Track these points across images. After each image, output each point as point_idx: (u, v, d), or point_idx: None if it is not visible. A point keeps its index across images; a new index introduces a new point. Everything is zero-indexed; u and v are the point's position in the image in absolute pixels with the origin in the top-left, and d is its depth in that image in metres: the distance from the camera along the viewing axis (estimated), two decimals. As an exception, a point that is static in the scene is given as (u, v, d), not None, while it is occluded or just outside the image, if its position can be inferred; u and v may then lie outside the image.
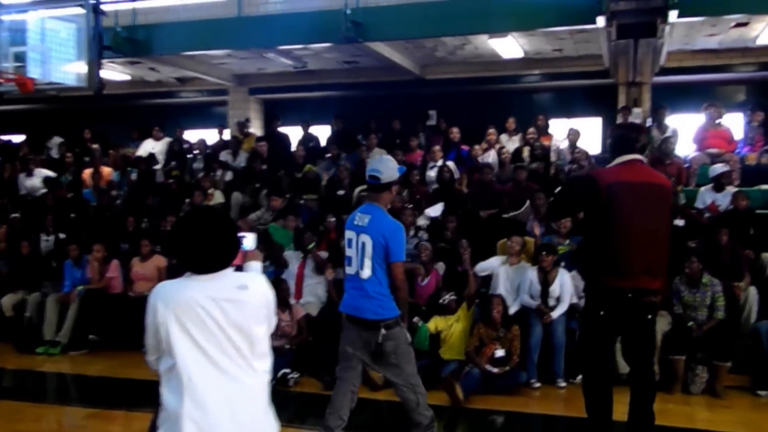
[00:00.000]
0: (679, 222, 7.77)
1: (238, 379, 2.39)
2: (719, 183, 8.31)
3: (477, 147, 9.99)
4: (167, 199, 9.86)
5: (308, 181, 9.72)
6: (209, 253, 2.41)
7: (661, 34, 8.10)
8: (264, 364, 2.49)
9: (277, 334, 6.83)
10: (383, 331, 4.00)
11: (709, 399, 6.08)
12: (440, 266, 7.40)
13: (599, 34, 9.25)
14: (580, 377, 6.29)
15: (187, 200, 9.39)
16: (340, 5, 8.64)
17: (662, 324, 6.20)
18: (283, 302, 6.96)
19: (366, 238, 4.01)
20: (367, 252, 4.00)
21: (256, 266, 2.88)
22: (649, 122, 10.55)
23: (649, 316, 4.18)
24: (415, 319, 6.52)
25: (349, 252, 4.09)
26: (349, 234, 4.10)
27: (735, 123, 10.38)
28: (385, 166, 4.10)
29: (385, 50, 10.30)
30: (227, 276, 2.46)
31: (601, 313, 4.13)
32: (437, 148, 9.88)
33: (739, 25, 9.44)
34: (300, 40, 9.57)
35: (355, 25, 8.72)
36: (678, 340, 6.22)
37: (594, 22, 8.23)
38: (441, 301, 6.66)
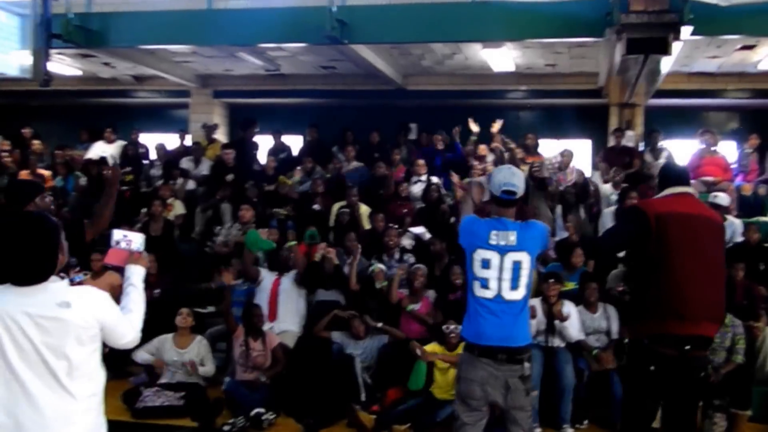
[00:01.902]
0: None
1: (49, 405, 2.27)
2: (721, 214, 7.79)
3: (482, 146, 9.44)
4: (121, 209, 8.83)
5: (282, 194, 8.88)
6: (24, 262, 2.29)
7: (671, 51, 7.52)
8: (86, 388, 2.36)
9: (248, 366, 6.05)
10: (527, 362, 3.61)
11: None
12: (430, 294, 6.69)
13: (600, 50, 8.66)
14: (586, 422, 5.81)
15: (144, 210, 8.42)
16: (325, 2, 7.81)
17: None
18: (255, 330, 6.25)
19: (522, 256, 3.60)
20: (524, 271, 3.60)
21: (137, 271, 2.81)
22: (641, 146, 10.06)
23: (703, 374, 3.62)
24: (417, 351, 5.81)
25: (486, 273, 3.61)
26: (485, 254, 3.62)
27: (729, 150, 10.02)
28: (520, 179, 3.66)
29: (369, 55, 9.51)
30: (49, 290, 2.32)
31: (651, 368, 3.51)
32: (422, 162, 9.16)
33: (745, 47, 8.96)
34: (277, 38, 8.66)
35: (340, 24, 7.90)
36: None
37: (602, 35, 7.62)
38: (444, 328, 5.87)
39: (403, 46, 9.56)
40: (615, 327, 6.16)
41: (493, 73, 10.76)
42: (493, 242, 3.60)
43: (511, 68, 10.48)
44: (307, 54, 10.24)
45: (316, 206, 8.57)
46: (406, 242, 7.80)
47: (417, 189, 8.88)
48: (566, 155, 9.38)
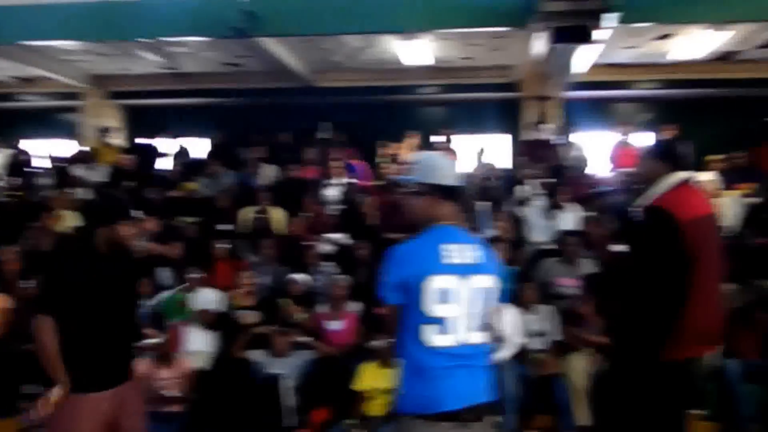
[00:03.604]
0: (619, 248, 7.07)
1: None
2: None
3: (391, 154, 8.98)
4: (4, 222, 7.92)
5: (187, 202, 8.19)
6: None
7: (595, 39, 7.32)
8: None
9: (158, 397, 5.37)
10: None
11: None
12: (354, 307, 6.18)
13: (519, 41, 8.40)
14: None
15: (33, 223, 7.54)
16: (231, -8, 7.23)
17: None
18: (163, 356, 5.50)
19: (490, 282, 2.60)
20: (490, 303, 2.60)
21: None
22: (560, 139, 9.91)
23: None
24: None
25: (445, 310, 2.50)
26: (442, 281, 2.51)
27: (646, 141, 10.01)
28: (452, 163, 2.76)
29: (277, 50, 8.94)
30: None
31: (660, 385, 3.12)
32: (339, 163, 8.65)
33: (661, 37, 8.91)
34: (179, 31, 7.99)
35: (246, 15, 7.31)
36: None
37: (524, 25, 7.35)
38: (373, 344, 5.37)
39: (314, 39, 9.05)
40: (554, 328, 5.85)
41: (408, 68, 10.38)
42: (448, 261, 2.53)
43: (428, 62, 10.12)
44: (211, 49, 9.58)
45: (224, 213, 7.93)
46: (326, 248, 7.29)
47: (333, 192, 8.36)
48: (479, 151, 9.18)
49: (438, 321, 2.49)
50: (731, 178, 8.18)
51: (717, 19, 7.81)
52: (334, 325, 6.01)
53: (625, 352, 3.26)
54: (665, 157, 3.24)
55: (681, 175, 3.16)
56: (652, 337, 3.07)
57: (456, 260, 2.54)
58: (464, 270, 2.54)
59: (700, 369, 3.21)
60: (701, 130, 8.92)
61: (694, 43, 9.17)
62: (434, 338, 2.49)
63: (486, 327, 2.60)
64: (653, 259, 3.04)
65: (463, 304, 2.52)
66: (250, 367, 5.71)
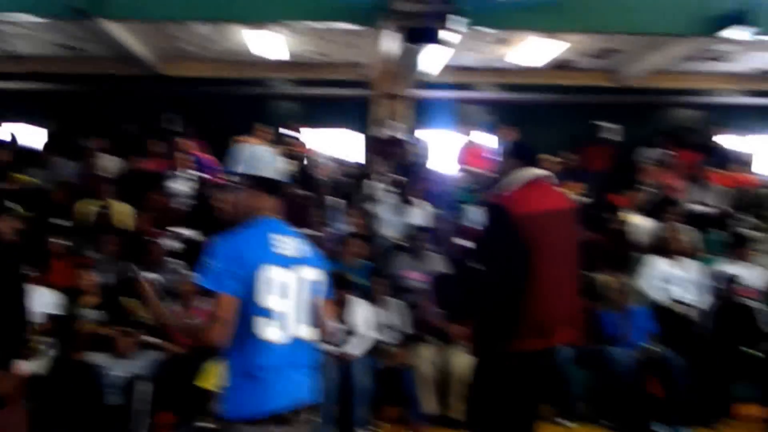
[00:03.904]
0: (465, 242, 7.37)
1: None
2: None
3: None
4: None
5: (19, 194, 7.58)
6: None
7: (444, 41, 7.56)
8: None
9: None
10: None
11: None
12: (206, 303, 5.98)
13: (371, 39, 8.52)
14: (382, 424, 5.57)
15: None
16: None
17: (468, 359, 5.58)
18: None
19: (318, 275, 2.62)
20: (318, 295, 2.62)
21: None
22: (408, 137, 10.16)
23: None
24: None
25: (277, 302, 2.46)
26: (274, 272, 2.47)
27: (490, 142, 10.46)
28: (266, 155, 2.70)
29: (122, 34, 8.48)
30: None
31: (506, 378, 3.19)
32: (187, 156, 8.35)
33: (500, 41, 9.36)
34: (13, 8, 7.38)
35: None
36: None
37: (375, 23, 7.47)
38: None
39: (160, 25, 8.66)
40: (403, 321, 6.01)
41: (262, 61, 10.22)
42: (278, 251, 2.52)
43: (283, 56, 10.02)
44: (49, 31, 8.91)
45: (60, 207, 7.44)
46: (173, 245, 7.03)
47: (180, 186, 8.06)
48: (327, 146, 9.25)
49: (270, 313, 2.45)
50: (563, 178, 8.75)
51: (553, 28, 8.31)
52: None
53: (479, 345, 3.33)
54: (517, 155, 3.35)
55: (531, 172, 3.26)
56: (498, 329, 3.15)
57: (286, 251, 2.54)
58: (293, 262, 2.54)
59: (549, 360, 3.29)
60: (538, 133, 9.45)
61: (534, 51, 9.71)
62: (267, 331, 2.44)
63: (314, 322, 2.61)
64: (492, 253, 3.13)
65: (293, 296, 2.52)
66: (91, 370, 5.41)
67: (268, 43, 9.41)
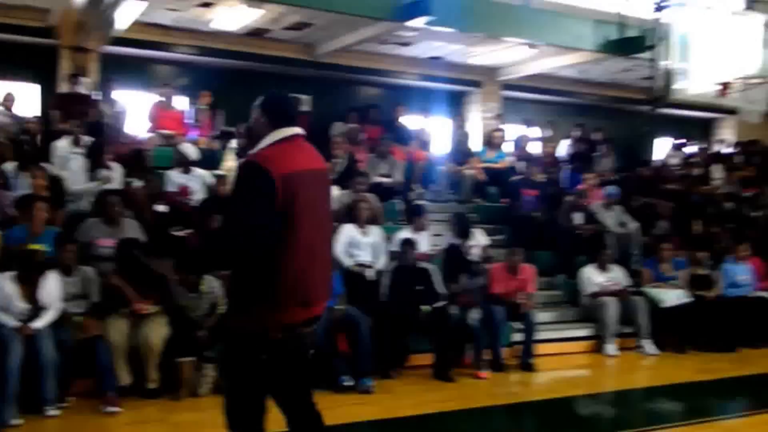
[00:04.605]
0: (163, 208, 7.19)
1: None
2: (186, 166, 8.04)
3: None
4: None
5: None
6: None
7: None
8: None
9: None
10: None
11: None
12: None
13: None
14: (73, 399, 5.27)
15: None
16: None
17: (162, 330, 5.59)
18: None
19: None
20: None
21: None
22: (97, 95, 9.52)
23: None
24: None
25: None
26: None
27: (183, 105, 10.26)
28: None
29: None
30: None
31: (264, 357, 2.86)
32: None
33: (203, 5, 9.17)
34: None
35: None
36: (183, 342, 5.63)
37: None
38: None
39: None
40: (93, 290, 5.71)
41: None
42: None
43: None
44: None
45: None
46: None
47: None
48: (8, 99, 8.39)
49: None
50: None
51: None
52: None
53: (230, 319, 3.01)
54: (270, 112, 3.06)
55: (286, 130, 3.00)
56: (249, 299, 2.87)
57: None
58: None
59: (304, 334, 2.97)
60: (232, 99, 9.48)
61: (234, 16, 9.68)
62: None
63: None
64: (244, 213, 2.78)
65: None
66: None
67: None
